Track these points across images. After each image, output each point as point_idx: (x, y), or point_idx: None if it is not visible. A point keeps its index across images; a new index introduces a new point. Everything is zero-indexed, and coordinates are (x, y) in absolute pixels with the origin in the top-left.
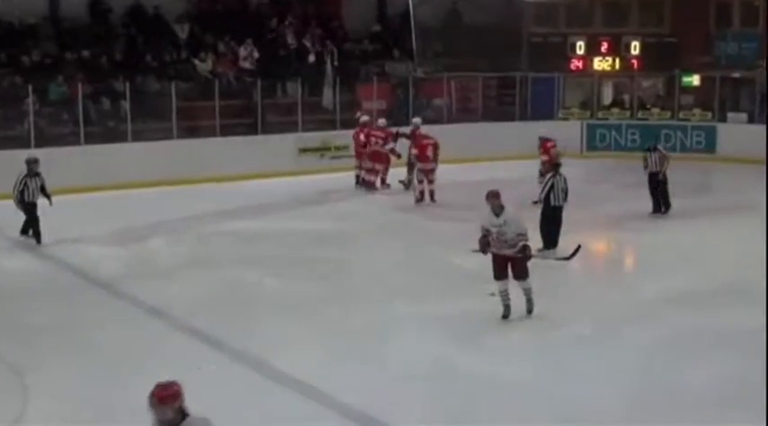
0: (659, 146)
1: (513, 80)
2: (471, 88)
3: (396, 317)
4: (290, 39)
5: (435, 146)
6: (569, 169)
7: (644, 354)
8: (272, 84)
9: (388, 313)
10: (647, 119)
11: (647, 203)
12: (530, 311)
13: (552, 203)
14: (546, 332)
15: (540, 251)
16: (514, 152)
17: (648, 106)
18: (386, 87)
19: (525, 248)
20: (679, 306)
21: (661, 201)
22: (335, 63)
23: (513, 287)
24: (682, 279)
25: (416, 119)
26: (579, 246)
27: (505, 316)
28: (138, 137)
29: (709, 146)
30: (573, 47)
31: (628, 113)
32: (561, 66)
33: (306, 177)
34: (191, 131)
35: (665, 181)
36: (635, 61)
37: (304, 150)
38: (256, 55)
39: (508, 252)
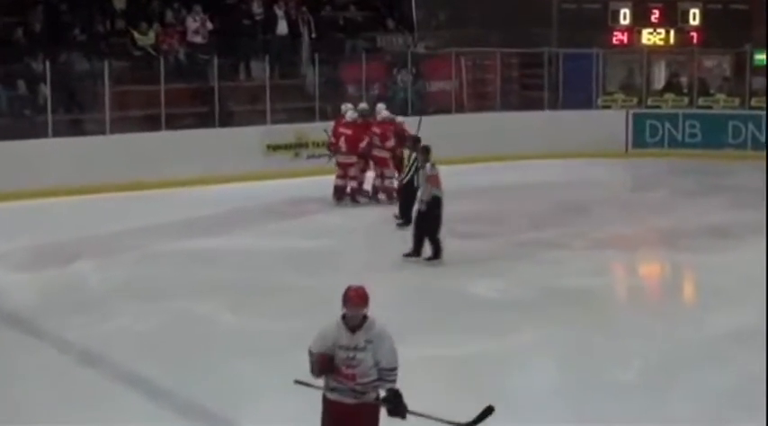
0: None
1: (539, 58)
2: (487, 68)
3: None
4: (256, 7)
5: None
6: (611, 170)
7: (710, 406)
8: (232, 62)
9: None
10: (710, 108)
11: (710, 215)
12: None
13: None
14: (587, 378)
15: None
16: (542, 149)
17: (712, 91)
18: (378, 67)
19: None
20: (752, 346)
21: None
22: (313, 35)
23: None
24: (755, 311)
25: (380, 105)
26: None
27: None
28: (62, 130)
29: None
30: (615, 16)
31: (686, 100)
32: (601, 40)
33: (276, 182)
34: (128, 123)
35: None
36: (694, 34)
37: (273, 147)
38: (210, 26)
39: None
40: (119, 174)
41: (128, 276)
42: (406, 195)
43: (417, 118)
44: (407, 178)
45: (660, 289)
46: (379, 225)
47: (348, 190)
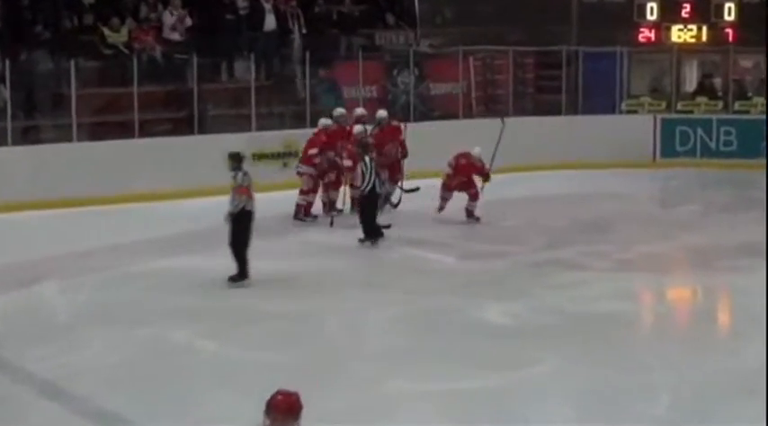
0: None
1: (557, 57)
2: (498, 69)
3: (391, 397)
4: (241, 0)
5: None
6: (636, 182)
7: None
8: (213, 62)
9: (380, 391)
10: (747, 112)
11: (747, 232)
12: None
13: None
14: (611, 414)
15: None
16: (560, 159)
17: (749, 94)
18: (376, 67)
19: None
20: None
21: None
22: (303, 31)
23: None
24: None
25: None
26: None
27: None
28: (24, 138)
29: None
30: (642, 11)
31: (720, 104)
32: (625, 37)
33: (261, 195)
34: (97, 130)
35: None
36: (730, 30)
37: (259, 156)
38: (189, 22)
39: None
40: (86, 187)
41: (95, 300)
42: (367, 205)
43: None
44: (369, 187)
45: (691, 316)
46: (381, 243)
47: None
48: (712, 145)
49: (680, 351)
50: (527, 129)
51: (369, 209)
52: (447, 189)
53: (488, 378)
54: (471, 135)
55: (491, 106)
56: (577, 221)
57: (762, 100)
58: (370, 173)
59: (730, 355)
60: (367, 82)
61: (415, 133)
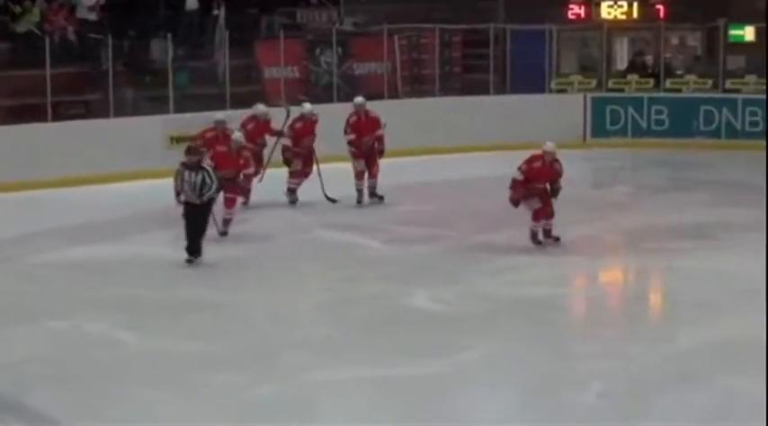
0: None
1: (484, 36)
2: (424, 47)
3: (318, 386)
4: None
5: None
6: (567, 163)
7: None
8: (129, 43)
9: (307, 380)
10: (679, 91)
11: (681, 213)
12: None
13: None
14: (545, 402)
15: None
16: (489, 140)
17: (681, 72)
18: (297, 46)
19: None
20: (732, 364)
21: None
22: (221, 10)
23: None
24: (735, 324)
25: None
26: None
27: None
28: None
29: None
30: None
31: (651, 82)
32: (554, 14)
33: None
34: (8, 114)
35: None
36: (661, 7)
37: (178, 139)
38: (104, 0)
39: None
40: None
41: (6, 292)
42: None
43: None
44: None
45: (627, 300)
46: (303, 229)
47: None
48: (644, 124)
49: (616, 336)
50: (454, 110)
51: (201, 222)
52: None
53: (418, 366)
54: (397, 115)
55: (415, 86)
56: (507, 204)
57: (693, 77)
58: (212, 182)
59: (664, 339)
60: (288, 62)
61: (338, 114)
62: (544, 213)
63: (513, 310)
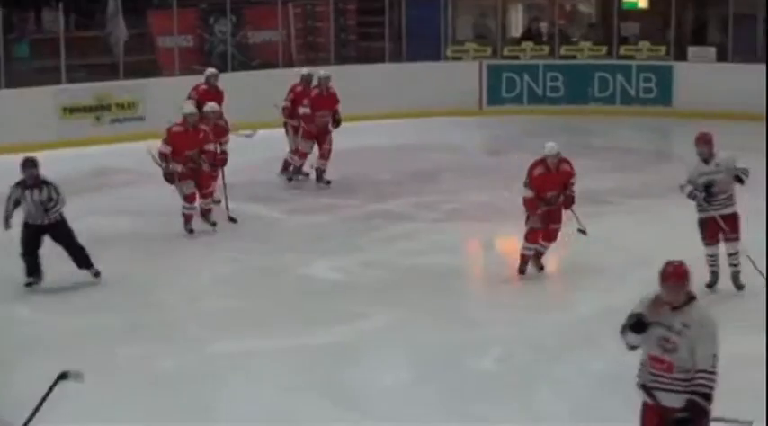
0: None
1: (380, 3)
2: (319, 15)
3: (220, 358)
4: None
5: None
6: (464, 131)
7: (579, 395)
8: (19, 12)
9: (209, 352)
10: (574, 58)
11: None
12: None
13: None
14: (444, 369)
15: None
16: (384, 108)
17: (575, 39)
18: (191, 15)
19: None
20: None
21: None
22: None
23: None
24: (631, 290)
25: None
26: None
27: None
28: None
29: (664, 95)
30: None
31: (546, 49)
32: None
33: (74, 150)
34: None
35: None
36: None
37: (70, 110)
38: None
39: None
40: None
41: None
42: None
43: None
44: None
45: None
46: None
47: None
48: (539, 91)
49: (512, 303)
50: (350, 78)
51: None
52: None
53: (318, 335)
54: (292, 84)
55: (310, 55)
56: (405, 172)
57: (588, 44)
58: (58, 195)
59: (562, 305)
60: (182, 31)
61: (233, 83)
62: (547, 235)
63: (412, 278)
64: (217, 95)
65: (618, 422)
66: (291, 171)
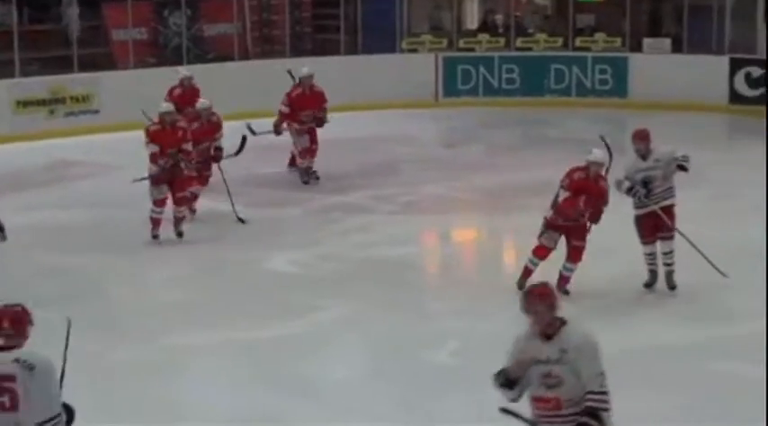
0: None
1: None
2: (274, 8)
3: (173, 351)
4: None
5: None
6: (420, 123)
7: None
8: None
9: (163, 345)
10: (529, 50)
11: (535, 171)
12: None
13: None
14: (399, 362)
15: None
16: (340, 100)
17: (531, 30)
18: (145, 7)
19: None
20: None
21: None
22: None
23: None
24: (587, 280)
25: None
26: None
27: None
28: None
29: (619, 86)
30: None
31: (502, 41)
32: None
33: (27, 144)
34: None
35: None
36: None
37: (23, 104)
38: None
39: None
40: None
41: None
42: None
43: None
44: None
45: (481, 258)
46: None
47: None
48: (495, 83)
49: (470, 296)
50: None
51: None
52: None
53: (273, 328)
54: (247, 77)
55: (266, 47)
56: (361, 164)
57: (544, 36)
58: None
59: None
60: (137, 23)
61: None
62: (571, 255)
63: (368, 270)
64: (193, 97)
65: None
66: (305, 174)
